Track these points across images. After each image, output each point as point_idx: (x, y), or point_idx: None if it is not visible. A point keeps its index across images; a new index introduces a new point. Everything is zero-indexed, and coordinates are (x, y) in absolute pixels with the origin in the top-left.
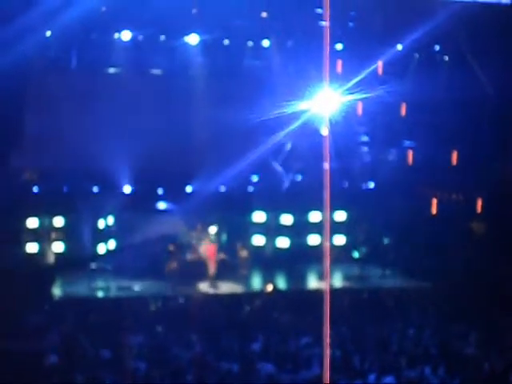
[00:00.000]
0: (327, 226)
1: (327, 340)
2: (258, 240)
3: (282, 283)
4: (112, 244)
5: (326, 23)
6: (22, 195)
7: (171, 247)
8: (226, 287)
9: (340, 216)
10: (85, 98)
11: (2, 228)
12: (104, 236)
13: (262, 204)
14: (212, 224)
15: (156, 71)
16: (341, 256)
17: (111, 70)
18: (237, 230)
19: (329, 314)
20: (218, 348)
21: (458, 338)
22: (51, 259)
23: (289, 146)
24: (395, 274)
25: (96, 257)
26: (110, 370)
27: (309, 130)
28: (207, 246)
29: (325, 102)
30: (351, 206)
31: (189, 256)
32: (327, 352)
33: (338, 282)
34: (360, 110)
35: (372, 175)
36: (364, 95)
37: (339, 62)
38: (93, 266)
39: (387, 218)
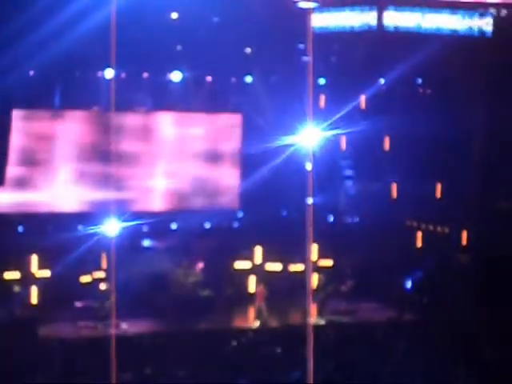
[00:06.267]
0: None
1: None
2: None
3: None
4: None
5: (308, 58)
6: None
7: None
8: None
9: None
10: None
11: None
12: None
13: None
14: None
15: (139, 108)
16: (328, 291)
17: (95, 107)
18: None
19: (313, 349)
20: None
21: (446, 371)
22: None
23: (273, 181)
24: (383, 307)
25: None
26: None
27: (293, 165)
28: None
29: (308, 137)
30: (336, 240)
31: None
32: None
33: (325, 316)
34: (344, 145)
35: (356, 209)
36: (347, 130)
37: (322, 97)
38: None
39: (373, 251)
